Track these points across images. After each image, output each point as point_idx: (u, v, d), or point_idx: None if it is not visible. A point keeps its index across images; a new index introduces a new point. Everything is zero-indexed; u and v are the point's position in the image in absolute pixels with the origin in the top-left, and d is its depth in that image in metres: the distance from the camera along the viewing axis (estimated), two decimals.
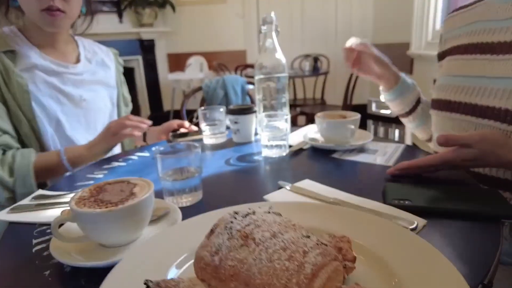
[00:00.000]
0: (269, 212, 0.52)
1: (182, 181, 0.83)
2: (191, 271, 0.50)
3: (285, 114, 1.21)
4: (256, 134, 1.38)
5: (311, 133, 1.32)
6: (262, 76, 1.29)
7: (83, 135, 1.40)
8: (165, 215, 0.76)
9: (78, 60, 1.45)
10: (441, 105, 1.10)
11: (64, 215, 0.67)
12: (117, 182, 0.75)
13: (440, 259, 0.49)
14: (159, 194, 0.86)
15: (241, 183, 0.98)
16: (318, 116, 1.21)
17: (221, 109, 1.37)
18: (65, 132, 1.34)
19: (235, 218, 0.49)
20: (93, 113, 1.45)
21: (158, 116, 5.58)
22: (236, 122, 1.33)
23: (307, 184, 0.91)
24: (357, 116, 1.18)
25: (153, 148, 0.84)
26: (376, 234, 0.59)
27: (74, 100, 1.38)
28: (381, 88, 1.33)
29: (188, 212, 0.80)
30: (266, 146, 1.17)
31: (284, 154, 1.17)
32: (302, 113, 4.33)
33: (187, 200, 0.84)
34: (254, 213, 0.51)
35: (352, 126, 1.16)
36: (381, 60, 1.24)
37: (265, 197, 0.84)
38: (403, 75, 1.28)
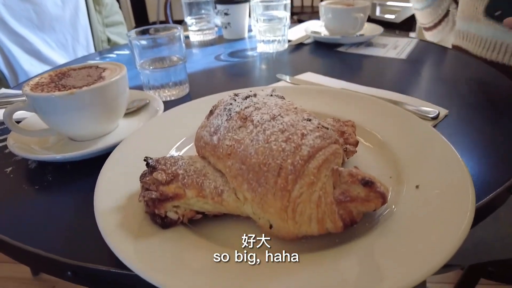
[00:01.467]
0: (271, 95, 0.43)
1: (163, 70, 0.71)
2: (192, 153, 0.44)
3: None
4: (250, 30, 1.21)
5: (314, 26, 1.16)
6: None
7: (39, 35, 1.21)
8: (144, 106, 0.65)
9: None
10: None
11: (18, 104, 0.55)
12: (84, 67, 0.62)
13: (449, 152, 0.41)
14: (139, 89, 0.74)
15: (233, 78, 0.86)
16: (322, 5, 1.04)
17: None
18: (13, 28, 1.15)
19: (235, 100, 0.41)
20: (46, 9, 1.22)
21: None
22: (226, 14, 1.14)
23: (310, 76, 0.79)
24: (367, 3, 1.01)
25: (127, 33, 0.69)
26: (386, 120, 0.51)
27: None
28: None
29: (173, 106, 0.70)
30: (262, 40, 1.01)
31: (282, 49, 1.02)
32: (299, 21, 3.99)
33: (171, 93, 0.73)
34: (255, 95, 0.42)
35: (361, 15, 0.99)
36: None
37: None
38: None
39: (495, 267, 0.88)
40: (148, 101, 0.65)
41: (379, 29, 1.06)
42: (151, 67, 0.71)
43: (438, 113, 0.57)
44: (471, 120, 0.59)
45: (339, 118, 0.45)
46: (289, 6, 0.99)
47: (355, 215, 0.33)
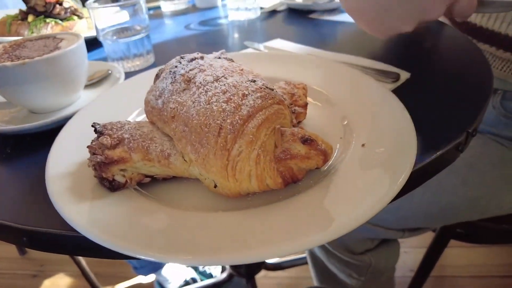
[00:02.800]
0: (219, 57, 0.42)
1: (126, 40, 0.69)
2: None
3: None
4: None
5: None
6: None
7: None
8: (106, 77, 0.64)
9: None
10: None
11: None
12: (41, 38, 0.60)
13: (399, 112, 0.42)
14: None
15: (202, 47, 0.84)
16: None
17: None
18: None
19: (180, 62, 0.41)
20: None
21: None
22: None
23: (279, 43, 0.78)
24: None
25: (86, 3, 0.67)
26: (341, 83, 0.51)
27: None
28: None
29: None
30: (233, 8, 0.99)
31: (254, 16, 1.00)
32: None
33: (134, 64, 0.72)
34: (202, 58, 0.41)
35: None
36: None
37: None
38: None
39: (463, 228, 0.92)
40: (110, 72, 0.64)
41: None
42: (114, 37, 0.69)
43: (399, 76, 0.58)
44: (433, 84, 0.59)
45: (291, 81, 0.45)
46: None
47: (295, 172, 0.34)
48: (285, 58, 0.59)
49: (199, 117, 0.33)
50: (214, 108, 0.33)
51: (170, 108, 0.36)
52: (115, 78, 0.62)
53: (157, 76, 0.41)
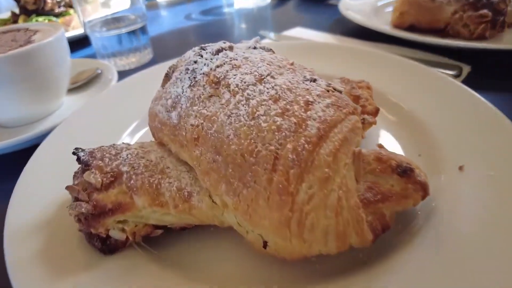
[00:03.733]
0: (255, 48, 0.30)
1: (118, 31, 0.56)
2: (148, 138, 0.31)
3: None
4: None
5: None
6: None
7: None
8: (95, 77, 0.52)
9: None
10: None
11: None
12: (10, 30, 0.47)
13: (492, 116, 0.31)
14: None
15: (206, 39, 0.71)
16: None
17: None
18: None
19: (201, 56, 0.28)
20: None
21: None
22: None
23: (300, 32, 0.66)
24: None
25: None
26: (404, 80, 0.40)
27: None
28: None
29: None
30: None
31: (264, 3, 0.88)
32: None
33: (129, 61, 0.59)
34: (231, 48, 0.29)
35: None
36: None
37: None
38: None
39: None
40: (99, 71, 0.52)
41: None
42: (104, 29, 0.57)
43: (461, 69, 0.46)
44: (499, 74, 0.48)
45: (348, 78, 0.33)
46: None
47: (388, 218, 0.22)
48: (324, 49, 0.47)
49: (239, 140, 0.21)
50: (263, 125, 0.21)
51: (191, 125, 0.24)
52: (106, 79, 0.50)
53: (167, 77, 0.28)
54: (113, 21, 0.58)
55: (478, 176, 0.27)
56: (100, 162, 0.24)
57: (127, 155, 0.25)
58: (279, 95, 0.22)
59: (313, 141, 0.20)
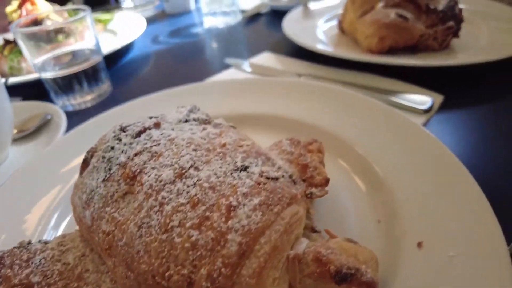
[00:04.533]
0: (186, 121, 0.27)
1: (71, 70, 0.53)
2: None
3: None
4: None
5: None
6: None
7: None
8: (45, 124, 0.48)
9: None
10: None
11: None
12: None
13: (465, 182, 0.29)
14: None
15: (174, 66, 0.69)
16: None
17: None
18: None
19: (120, 139, 0.24)
20: None
21: None
22: None
23: (267, 59, 0.63)
24: None
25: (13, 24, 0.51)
26: (365, 126, 0.37)
27: None
28: None
29: (90, 115, 0.54)
30: (209, 13, 0.84)
31: (235, 22, 0.85)
32: None
33: (84, 100, 0.55)
34: (157, 126, 0.26)
35: None
36: None
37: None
38: None
39: None
40: (50, 117, 0.48)
41: None
42: (56, 67, 0.53)
43: (432, 104, 0.44)
44: (478, 109, 0.45)
45: (299, 139, 0.30)
46: None
47: None
48: (279, 87, 0.44)
49: (149, 258, 0.18)
50: (177, 240, 0.18)
51: (103, 232, 0.21)
52: (56, 125, 0.47)
53: (85, 163, 0.25)
54: (64, 57, 0.54)
55: (437, 256, 0.24)
56: (9, 271, 0.22)
57: (41, 260, 0.22)
58: (198, 198, 0.20)
59: (232, 262, 0.18)
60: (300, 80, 0.46)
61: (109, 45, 0.71)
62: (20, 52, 0.67)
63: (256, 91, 0.45)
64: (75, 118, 0.52)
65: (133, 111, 0.43)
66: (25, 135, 0.47)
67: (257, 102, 0.43)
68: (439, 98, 0.46)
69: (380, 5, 0.57)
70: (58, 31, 0.51)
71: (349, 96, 0.41)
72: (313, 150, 0.29)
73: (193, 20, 0.92)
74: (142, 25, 0.77)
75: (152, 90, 0.55)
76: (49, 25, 0.52)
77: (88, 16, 0.52)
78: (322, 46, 0.59)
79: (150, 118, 0.26)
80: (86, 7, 0.54)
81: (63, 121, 0.46)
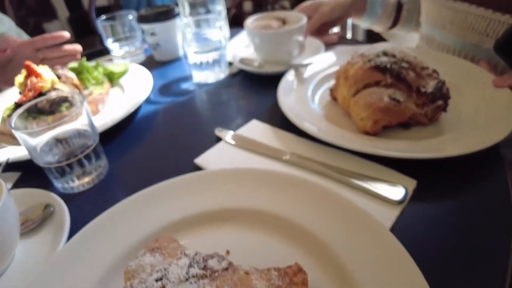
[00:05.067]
0: (187, 279, 0.30)
1: (68, 156, 0.56)
2: None
3: (217, 16, 0.87)
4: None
5: (244, 48, 0.96)
6: None
7: None
8: (49, 216, 0.51)
9: None
10: None
11: None
12: None
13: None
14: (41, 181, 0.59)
15: (164, 137, 0.71)
16: (247, 26, 0.84)
17: (130, 16, 0.98)
18: None
19: None
20: None
21: (78, 16, 4.55)
22: (153, 34, 0.97)
23: (254, 128, 0.67)
24: (303, 20, 0.81)
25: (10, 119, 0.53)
26: (342, 229, 0.41)
27: None
28: (352, 20, 1.02)
29: (86, 202, 0.57)
30: (196, 65, 0.86)
31: (222, 76, 0.88)
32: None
33: (82, 182, 0.58)
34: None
35: (300, 38, 0.82)
36: (333, 12, 0.91)
37: (197, 161, 0.60)
38: None
39: None
40: (53, 209, 0.51)
41: (319, 45, 0.88)
42: (56, 156, 0.56)
43: (406, 193, 0.48)
44: (448, 195, 0.50)
45: (286, 269, 0.35)
46: (226, 25, 0.83)
47: None
48: (252, 178, 0.49)
49: None
50: None
51: None
52: (59, 219, 0.50)
53: None
54: (59, 143, 0.57)
55: None
56: None
57: None
58: None
59: None
60: (273, 171, 0.50)
61: (118, 105, 0.75)
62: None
63: (230, 183, 0.49)
64: (74, 201, 0.55)
65: (133, 209, 0.47)
66: (26, 231, 0.50)
67: (231, 194, 0.48)
68: (413, 184, 0.50)
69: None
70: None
71: (324, 192, 0.45)
72: (298, 282, 0.34)
73: (182, 69, 0.95)
74: (149, 80, 0.81)
75: (141, 172, 0.58)
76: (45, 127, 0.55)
77: (81, 100, 0.55)
78: (313, 118, 0.63)
79: (156, 280, 0.29)
80: (76, 93, 0.56)
81: (66, 215, 0.49)
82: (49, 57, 0.90)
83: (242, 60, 0.88)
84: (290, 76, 0.76)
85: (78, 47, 0.92)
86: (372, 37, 1.13)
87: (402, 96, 0.58)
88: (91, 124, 0.57)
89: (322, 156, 0.57)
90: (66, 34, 0.87)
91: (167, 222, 0.46)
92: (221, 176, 0.50)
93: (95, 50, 1.12)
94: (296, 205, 0.45)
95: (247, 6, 3.58)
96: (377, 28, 1.04)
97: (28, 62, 0.69)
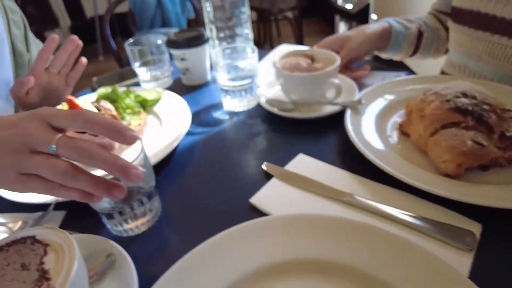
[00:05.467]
0: None
1: (125, 202, 0.55)
2: None
3: (249, 42, 0.86)
4: (212, 68, 1.04)
5: (269, 88, 0.90)
6: None
7: None
8: (111, 266, 0.50)
9: None
10: (466, 18, 0.81)
11: None
12: (14, 242, 0.44)
13: None
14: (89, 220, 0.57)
15: (210, 172, 0.69)
16: (277, 66, 0.78)
17: (159, 41, 0.97)
18: None
19: None
20: None
21: (81, 25, 4.51)
22: (183, 59, 0.96)
23: (303, 164, 0.66)
24: (337, 61, 0.77)
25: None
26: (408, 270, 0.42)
27: None
28: (376, 52, 1.01)
29: (142, 246, 0.56)
30: (228, 92, 0.85)
31: (253, 105, 0.87)
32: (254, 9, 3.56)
33: (137, 224, 0.57)
34: None
35: (335, 80, 0.76)
36: (360, 48, 0.90)
37: (252, 200, 0.59)
38: (392, 23, 0.94)
39: None
40: (114, 258, 0.50)
41: (352, 86, 0.84)
42: (110, 207, 0.54)
43: (475, 239, 0.48)
44: None
45: None
46: (256, 54, 0.82)
47: None
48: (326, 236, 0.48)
49: None
50: None
51: None
52: (122, 269, 0.49)
53: None
54: None
55: None
56: None
57: None
58: None
59: None
60: (342, 218, 0.49)
61: (158, 137, 0.73)
62: None
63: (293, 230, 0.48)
64: (128, 245, 0.54)
65: (203, 261, 0.46)
66: (91, 282, 0.48)
67: (309, 244, 0.47)
68: (478, 228, 0.50)
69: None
70: None
71: (403, 243, 0.45)
72: None
73: (211, 95, 0.95)
74: (186, 109, 0.80)
75: (193, 212, 0.58)
76: None
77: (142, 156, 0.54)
78: (384, 153, 0.61)
79: None
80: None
81: (130, 266, 0.48)
82: (59, 66, 0.84)
83: (270, 102, 0.82)
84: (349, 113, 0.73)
85: (74, 37, 0.84)
86: (387, 60, 1.12)
87: (484, 138, 0.57)
88: (148, 167, 0.56)
89: (381, 196, 0.57)
90: (55, 36, 0.81)
91: (241, 272, 0.46)
92: (296, 222, 0.49)
93: (117, 72, 1.11)
94: (372, 256, 0.45)
95: (252, 16, 3.56)
96: (398, 57, 1.04)
97: (70, 97, 0.67)
